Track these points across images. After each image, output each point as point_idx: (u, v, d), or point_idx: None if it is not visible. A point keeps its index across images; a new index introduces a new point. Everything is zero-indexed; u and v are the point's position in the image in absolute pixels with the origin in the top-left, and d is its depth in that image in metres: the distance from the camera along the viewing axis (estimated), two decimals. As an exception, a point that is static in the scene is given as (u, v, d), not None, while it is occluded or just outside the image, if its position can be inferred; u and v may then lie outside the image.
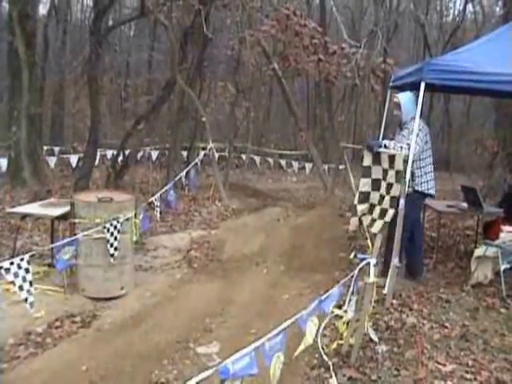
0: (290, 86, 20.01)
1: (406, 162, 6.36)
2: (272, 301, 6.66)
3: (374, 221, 6.62)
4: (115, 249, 6.46)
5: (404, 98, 7.03)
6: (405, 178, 6.35)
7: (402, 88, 7.78)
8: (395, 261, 6.19)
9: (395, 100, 7.07)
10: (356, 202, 6.90)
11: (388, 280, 6.27)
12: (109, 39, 21.49)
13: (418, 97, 6.50)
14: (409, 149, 6.49)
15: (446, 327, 5.77)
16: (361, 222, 6.85)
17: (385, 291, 6.28)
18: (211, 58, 18.97)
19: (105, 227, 6.29)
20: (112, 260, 6.48)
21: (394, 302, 6.32)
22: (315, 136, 24.14)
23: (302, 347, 3.91)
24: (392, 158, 6.40)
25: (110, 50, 25.01)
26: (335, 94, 26.24)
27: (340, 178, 15.32)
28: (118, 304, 6.51)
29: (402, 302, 6.41)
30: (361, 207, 6.75)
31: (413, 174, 6.83)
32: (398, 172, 6.34)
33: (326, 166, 17.51)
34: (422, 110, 6.61)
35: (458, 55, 7.09)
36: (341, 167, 14.99)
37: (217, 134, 22.13)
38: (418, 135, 6.62)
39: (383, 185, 6.54)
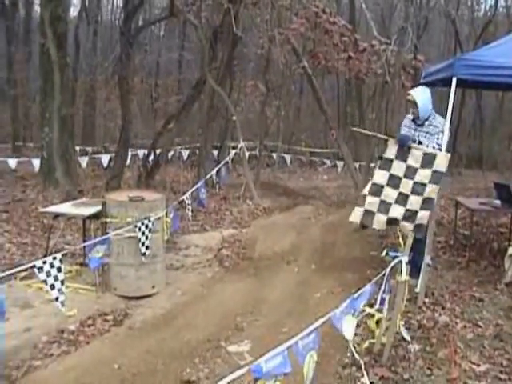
0: (320, 84, 19.92)
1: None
2: (303, 299, 6.65)
3: (396, 220, 6.40)
4: (147, 248, 6.50)
5: (420, 94, 6.71)
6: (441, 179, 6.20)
7: (433, 84, 7.70)
8: (427, 259, 6.13)
9: (409, 98, 6.70)
10: (366, 192, 6.58)
11: (420, 278, 6.21)
12: (139, 39, 21.64)
13: (449, 93, 6.40)
14: (440, 150, 6.31)
15: (480, 326, 5.70)
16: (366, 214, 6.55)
17: (417, 290, 6.22)
18: (241, 56, 19.01)
19: (136, 226, 6.33)
20: (143, 259, 6.51)
21: (427, 300, 6.26)
22: (346, 134, 24.02)
23: (349, 348, 3.92)
24: (430, 157, 6.18)
25: (141, 51, 25.18)
26: (366, 92, 26.11)
27: (371, 176, 15.22)
28: (149, 303, 6.55)
29: (435, 300, 6.34)
30: (370, 199, 6.49)
31: None
32: (435, 172, 6.13)
33: (357, 164, 17.41)
34: (453, 106, 6.52)
35: (490, 50, 7.00)
36: (372, 165, 14.88)
37: (247, 133, 22.12)
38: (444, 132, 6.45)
39: (406, 183, 6.27)
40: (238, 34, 12.68)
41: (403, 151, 6.33)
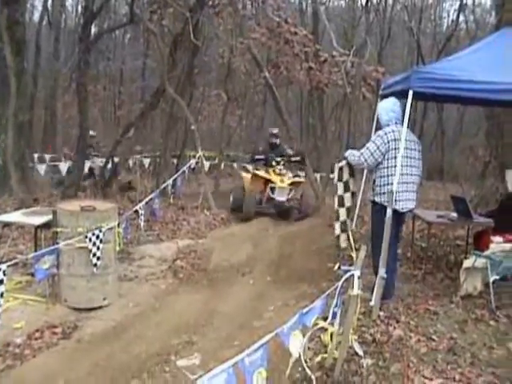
0: (283, 95, 19.95)
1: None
2: (257, 312, 6.57)
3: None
4: (97, 258, 6.38)
5: (386, 103, 6.83)
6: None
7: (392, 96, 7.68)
8: (381, 272, 6.08)
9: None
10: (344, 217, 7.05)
11: (375, 291, 6.16)
12: (102, 46, 21.46)
13: (405, 104, 6.38)
14: (359, 156, 6.57)
15: (434, 340, 5.66)
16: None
17: (372, 303, 6.17)
18: (203, 65, 18.95)
19: (86, 236, 6.20)
20: (95, 270, 6.38)
21: (381, 314, 6.20)
22: (308, 145, 24.08)
23: (290, 365, 3.84)
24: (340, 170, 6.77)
25: (104, 57, 24.97)
26: (329, 103, 26.25)
27: (331, 186, 15.20)
28: (100, 315, 6.41)
29: (390, 314, 6.28)
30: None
31: (374, 182, 6.66)
32: (345, 183, 6.57)
33: (318, 175, 17.41)
34: (410, 118, 6.49)
35: (447, 63, 7.02)
36: (332, 176, 14.86)
37: (210, 143, 22.11)
38: (373, 141, 6.49)
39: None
40: (197, 43, 12.62)
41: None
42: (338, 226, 7.08)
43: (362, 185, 9.29)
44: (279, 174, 12.56)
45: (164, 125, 15.34)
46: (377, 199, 6.53)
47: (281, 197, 12.41)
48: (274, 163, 12.78)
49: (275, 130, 13.60)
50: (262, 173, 12.74)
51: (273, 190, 12.47)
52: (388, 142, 6.40)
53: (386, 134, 6.46)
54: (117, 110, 27.21)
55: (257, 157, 13.20)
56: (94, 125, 21.49)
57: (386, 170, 6.45)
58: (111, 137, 21.20)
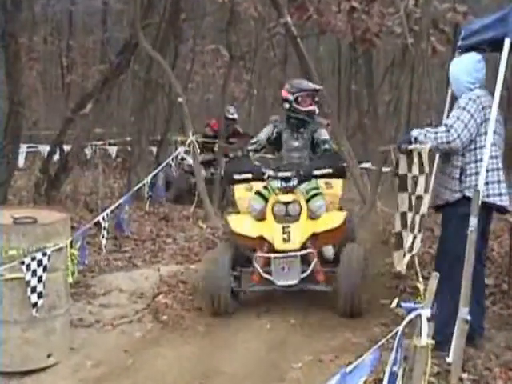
0: (313, 50, 19.86)
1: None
2: (277, 372, 6.54)
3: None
4: (39, 295, 6.34)
5: (465, 60, 6.92)
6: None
7: (475, 49, 7.60)
8: (462, 312, 6.01)
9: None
10: (398, 228, 7.11)
11: (453, 342, 6.09)
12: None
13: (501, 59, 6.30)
14: (447, 131, 6.40)
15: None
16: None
17: (449, 359, 6.10)
18: (193, 7, 18.96)
19: (23, 263, 6.18)
20: (34, 312, 6.36)
21: (465, 376, 6.13)
22: (350, 123, 24.08)
23: None
24: (420, 156, 6.50)
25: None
26: (382, 61, 26.17)
27: (385, 185, 15.17)
28: (41, 380, 6.39)
29: (478, 376, 6.20)
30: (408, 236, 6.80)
31: (462, 171, 6.60)
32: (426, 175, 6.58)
33: (363, 166, 17.37)
34: (505, 80, 6.41)
35: None
36: (386, 170, 14.79)
37: (205, 122, 22.08)
38: (464, 108, 6.44)
39: (413, 199, 6.73)
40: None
41: (409, 159, 6.85)
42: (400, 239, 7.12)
43: (431, 182, 9.24)
44: (285, 216, 8.30)
45: (137, 96, 15.36)
46: (468, 193, 6.41)
47: (284, 278, 8.10)
48: (277, 184, 8.62)
49: (316, 84, 10.15)
50: (241, 222, 8.72)
51: (267, 263, 8.25)
52: (483, 109, 6.40)
53: (478, 97, 6.44)
54: (65, 73, 27.25)
55: (237, 177, 8.81)
56: (32, 96, 21.50)
57: (478, 151, 6.46)
58: (57, 114, 21.31)
